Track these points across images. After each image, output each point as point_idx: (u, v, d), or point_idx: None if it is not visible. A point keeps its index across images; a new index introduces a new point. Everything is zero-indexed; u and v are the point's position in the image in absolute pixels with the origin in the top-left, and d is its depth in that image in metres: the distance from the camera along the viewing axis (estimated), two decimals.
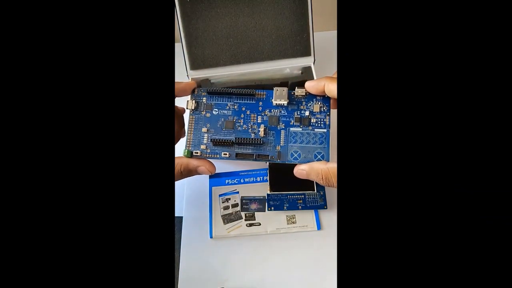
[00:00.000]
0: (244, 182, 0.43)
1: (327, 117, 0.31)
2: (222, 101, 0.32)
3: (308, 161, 0.30)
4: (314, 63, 0.46)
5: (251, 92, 0.31)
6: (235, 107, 0.32)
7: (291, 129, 0.30)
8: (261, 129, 0.30)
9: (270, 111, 0.31)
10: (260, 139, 0.29)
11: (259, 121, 0.31)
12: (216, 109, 0.32)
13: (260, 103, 0.31)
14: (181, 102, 0.42)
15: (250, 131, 0.30)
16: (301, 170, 0.29)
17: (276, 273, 0.38)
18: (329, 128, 0.30)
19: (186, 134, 0.31)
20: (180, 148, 0.40)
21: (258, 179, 0.43)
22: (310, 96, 0.32)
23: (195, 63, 0.45)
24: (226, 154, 0.30)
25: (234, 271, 0.39)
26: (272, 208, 0.40)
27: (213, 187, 0.43)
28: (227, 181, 0.44)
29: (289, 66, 0.45)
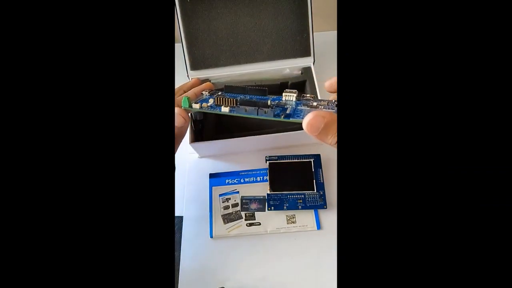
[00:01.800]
0: (244, 182, 0.43)
1: (336, 108, 0.28)
2: (235, 95, 0.32)
3: None
4: (314, 63, 0.46)
5: (263, 89, 0.31)
6: (247, 98, 0.31)
7: (298, 107, 0.28)
8: (268, 101, 0.28)
9: (279, 102, 0.30)
10: (266, 102, 0.27)
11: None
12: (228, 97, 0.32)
13: (270, 99, 0.30)
14: None
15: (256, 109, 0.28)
16: (320, 118, 0.22)
17: (276, 273, 0.39)
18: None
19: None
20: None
21: (258, 179, 0.43)
22: (317, 99, 0.32)
23: (195, 63, 0.45)
24: (226, 109, 0.27)
25: (234, 270, 0.39)
26: (272, 208, 0.40)
27: (213, 187, 0.43)
28: (227, 181, 0.44)
29: (289, 66, 0.45)
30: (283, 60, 0.45)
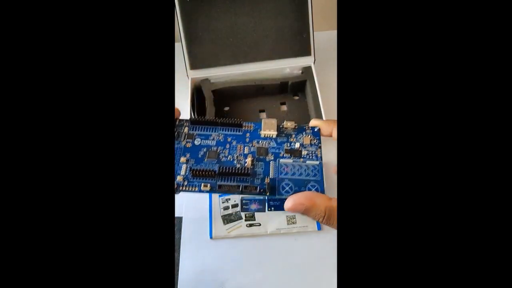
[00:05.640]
0: None
1: (319, 150, 0.28)
2: (206, 131, 0.28)
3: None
4: (314, 62, 0.46)
5: (238, 123, 0.28)
6: (220, 137, 0.28)
7: (281, 160, 0.27)
8: (248, 159, 0.26)
9: (258, 142, 0.28)
10: (247, 169, 0.26)
11: (246, 152, 0.27)
12: (199, 139, 0.28)
13: (247, 134, 0.28)
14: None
15: (235, 161, 0.27)
16: (299, 205, 0.24)
17: (276, 273, 0.38)
18: (322, 160, 0.27)
19: None
20: None
21: None
22: (299, 129, 0.29)
23: (195, 63, 0.45)
24: (206, 187, 0.25)
25: (234, 271, 0.39)
26: (272, 208, 0.40)
27: None
28: None
29: (289, 66, 0.45)
30: (283, 60, 0.45)
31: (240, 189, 0.25)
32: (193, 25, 0.43)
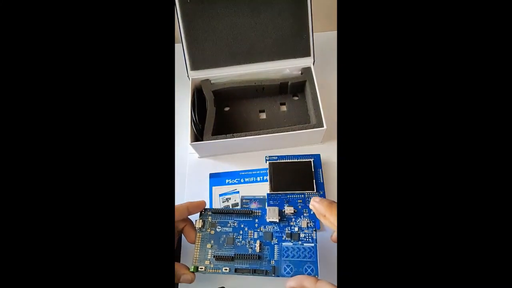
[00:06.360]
0: (244, 182, 0.43)
1: (314, 232, 0.35)
2: (224, 219, 0.37)
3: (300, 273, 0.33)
4: (313, 63, 0.46)
5: (249, 212, 0.36)
6: (235, 224, 0.36)
7: (283, 244, 0.35)
8: (257, 244, 0.34)
9: (264, 227, 0.36)
10: (256, 255, 0.34)
11: (255, 236, 0.35)
12: (219, 227, 0.36)
13: (256, 220, 0.36)
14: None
15: (247, 246, 0.35)
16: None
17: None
18: (317, 242, 0.34)
19: (194, 249, 0.35)
20: None
21: (258, 178, 0.44)
22: (298, 213, 0.36)
23: (195, 64, 0.45)
24: (226, 269, 0.34)
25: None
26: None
27: (213, 187, 0.43)
28: (227, 180, 0.44)
29: (289, 66, 0.46)
30: (283, 60, 0.46)
31: (252, 272, 0.34)
32: (194, 26, 0.44)
